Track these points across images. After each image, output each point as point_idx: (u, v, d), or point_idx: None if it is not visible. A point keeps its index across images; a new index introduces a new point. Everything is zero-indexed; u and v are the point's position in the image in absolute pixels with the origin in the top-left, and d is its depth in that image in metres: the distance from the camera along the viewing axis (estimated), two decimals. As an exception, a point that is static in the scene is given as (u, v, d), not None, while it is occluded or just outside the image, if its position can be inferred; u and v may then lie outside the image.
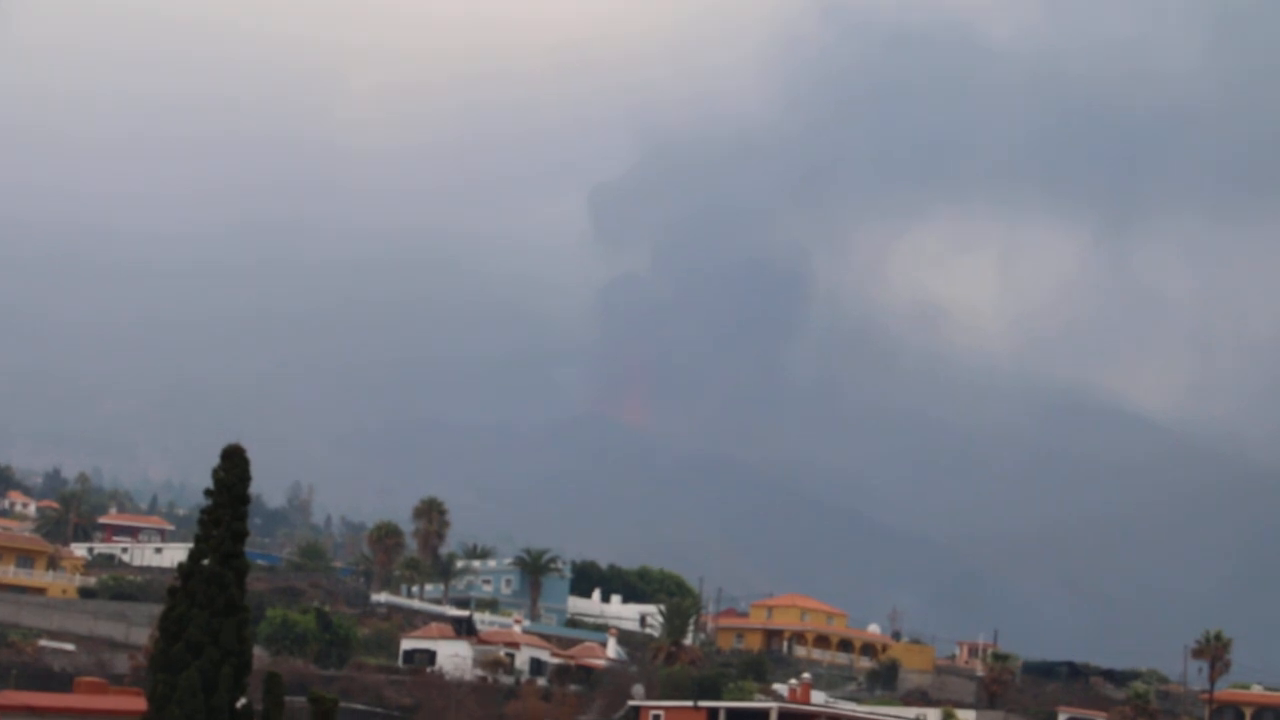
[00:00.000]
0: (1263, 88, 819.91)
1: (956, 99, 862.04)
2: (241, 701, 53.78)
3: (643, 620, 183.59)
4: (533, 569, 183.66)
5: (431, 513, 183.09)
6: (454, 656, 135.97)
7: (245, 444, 57.13)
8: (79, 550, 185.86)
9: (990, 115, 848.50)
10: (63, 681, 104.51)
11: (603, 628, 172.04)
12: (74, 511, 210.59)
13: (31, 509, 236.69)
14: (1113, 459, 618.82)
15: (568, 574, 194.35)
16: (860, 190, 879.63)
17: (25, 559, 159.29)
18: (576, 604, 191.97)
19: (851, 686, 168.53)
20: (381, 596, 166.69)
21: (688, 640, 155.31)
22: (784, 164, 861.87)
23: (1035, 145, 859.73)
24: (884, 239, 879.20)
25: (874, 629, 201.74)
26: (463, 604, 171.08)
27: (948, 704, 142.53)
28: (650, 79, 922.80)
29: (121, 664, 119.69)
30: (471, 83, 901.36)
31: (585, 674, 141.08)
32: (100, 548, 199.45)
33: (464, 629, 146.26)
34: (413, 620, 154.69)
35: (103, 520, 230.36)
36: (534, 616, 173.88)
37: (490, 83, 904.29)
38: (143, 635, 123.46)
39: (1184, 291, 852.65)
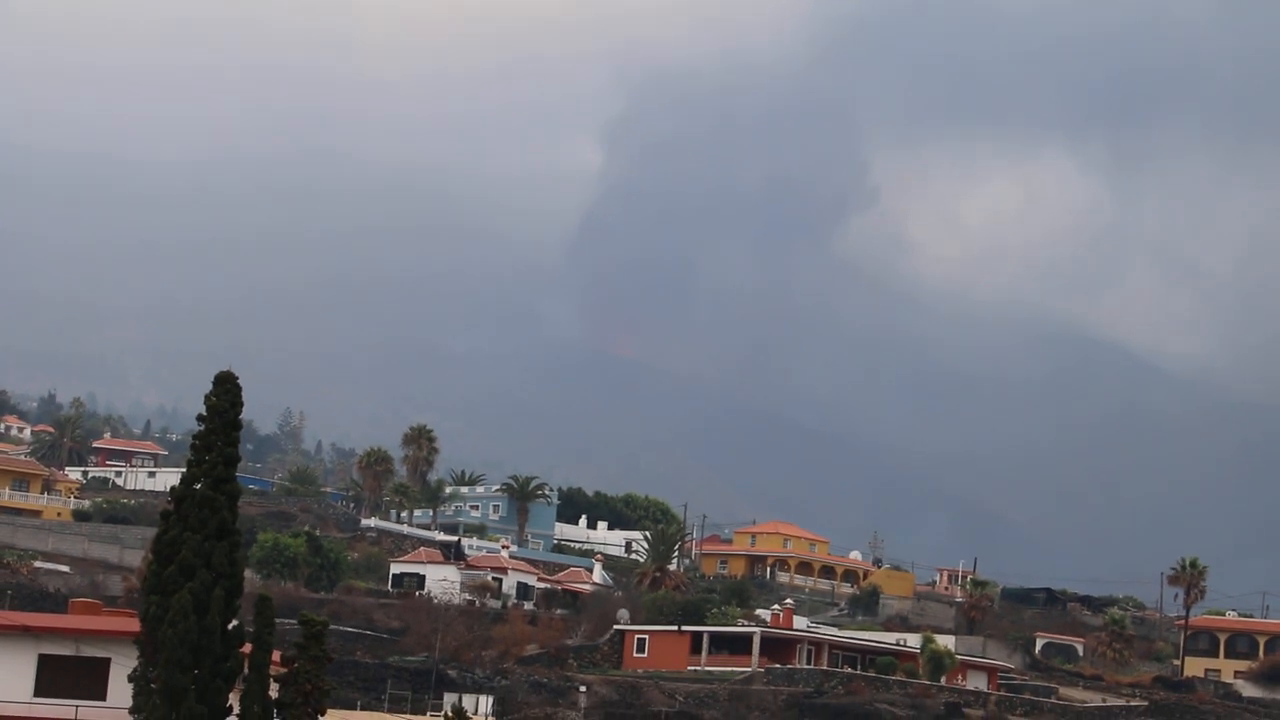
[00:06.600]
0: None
1: (970, 31, 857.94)
2: (233, 623, 54.87)
3: (628, 546, 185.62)
4: (520, 495, 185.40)
5: (421, 439, 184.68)
6: (442, 581, 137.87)
7: (237, 371, 58.16)
8: (73, 474, 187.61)
9: (1003, 48, 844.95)
10: (57, 602, 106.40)
11: (588, 554, 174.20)
12: (68, 436, 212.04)
13: (26, 433, 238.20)
14: (1099, 389, 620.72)
15: (554, 501, 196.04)
16: (868, 120, 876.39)
17: (20, 482, 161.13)
18: (563, 530, 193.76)
19: (833, 612, 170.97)
20: (371, 522, 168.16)
21: (672, 566, 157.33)
22: (793, 93, 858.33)
23: (1042, 79, 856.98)
24: (888, 169, 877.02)
25: (855, 556, 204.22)
26: (451, 530, 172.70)
27: (927, 629, 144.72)
28: (656, 6, 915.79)
29: (115, 585, 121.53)
30: (470, 14, 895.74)
31: (571, 599, 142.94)
32: (94, 472, 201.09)
33: (452, 554, 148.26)
34: (402, 545, 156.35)
35: (97, 445, 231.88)
36: (521, 542, 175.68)
37: (489, 14, 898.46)
38: (136, 557, 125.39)
39: (1177, 227, 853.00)
